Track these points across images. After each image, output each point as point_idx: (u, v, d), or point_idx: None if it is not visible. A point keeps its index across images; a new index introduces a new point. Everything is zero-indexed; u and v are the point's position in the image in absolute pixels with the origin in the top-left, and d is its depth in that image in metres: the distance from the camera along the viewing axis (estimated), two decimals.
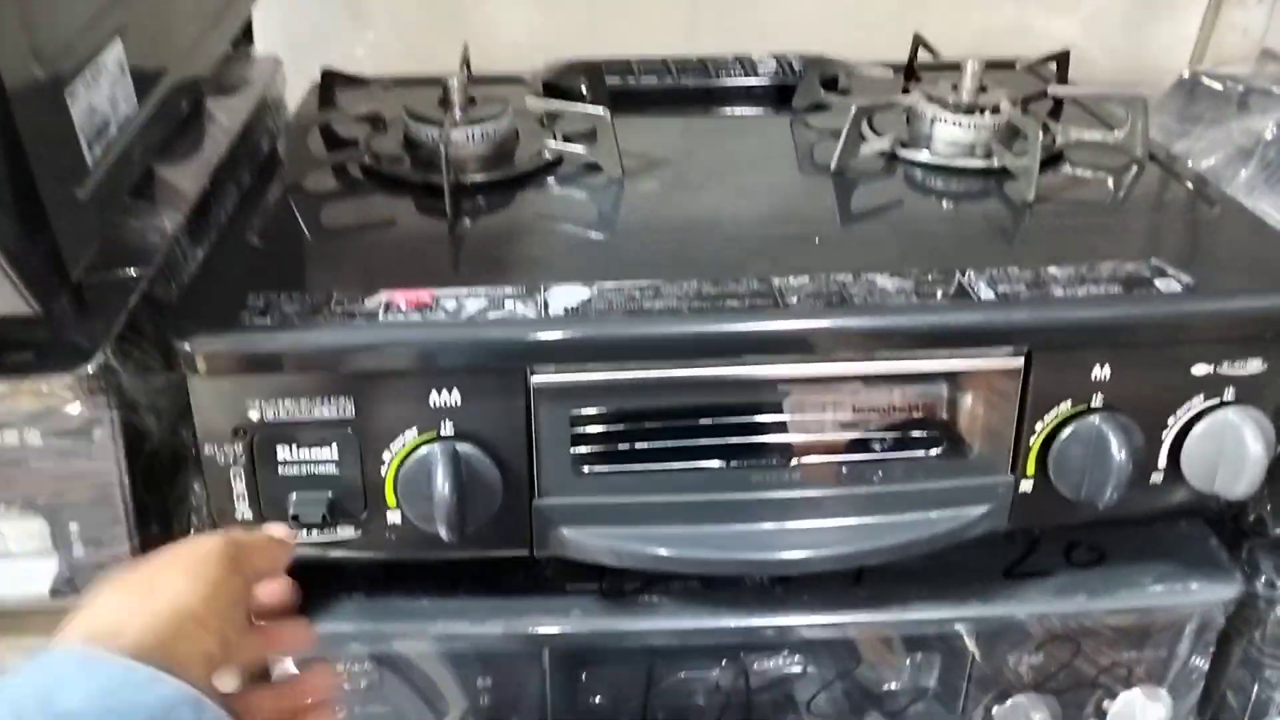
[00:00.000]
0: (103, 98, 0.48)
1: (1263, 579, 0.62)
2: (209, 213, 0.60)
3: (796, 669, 0.61)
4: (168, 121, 0.58)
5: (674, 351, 0.49)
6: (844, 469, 0.54)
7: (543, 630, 0.57)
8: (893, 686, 0.63)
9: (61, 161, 0.44)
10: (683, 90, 0.77)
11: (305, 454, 0.50)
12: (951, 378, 0.53)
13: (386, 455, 0.50)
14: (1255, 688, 0.65)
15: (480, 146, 0.64)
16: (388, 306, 0.49)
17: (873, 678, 0.64)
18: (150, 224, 0.54)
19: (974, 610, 0.60)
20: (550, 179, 0.65)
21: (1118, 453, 0.51)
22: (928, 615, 0.60)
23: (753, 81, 0.78)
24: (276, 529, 0.46)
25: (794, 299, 0.50)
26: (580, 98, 0.72)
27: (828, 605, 0.59)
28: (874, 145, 0.66)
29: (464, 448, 0.50)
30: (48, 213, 0.41)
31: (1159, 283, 0.52)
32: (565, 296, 0.50)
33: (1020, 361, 0.52)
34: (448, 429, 0.50)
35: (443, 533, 0.49)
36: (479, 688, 0.59)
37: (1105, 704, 0.65)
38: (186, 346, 0.47)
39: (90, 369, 0.45)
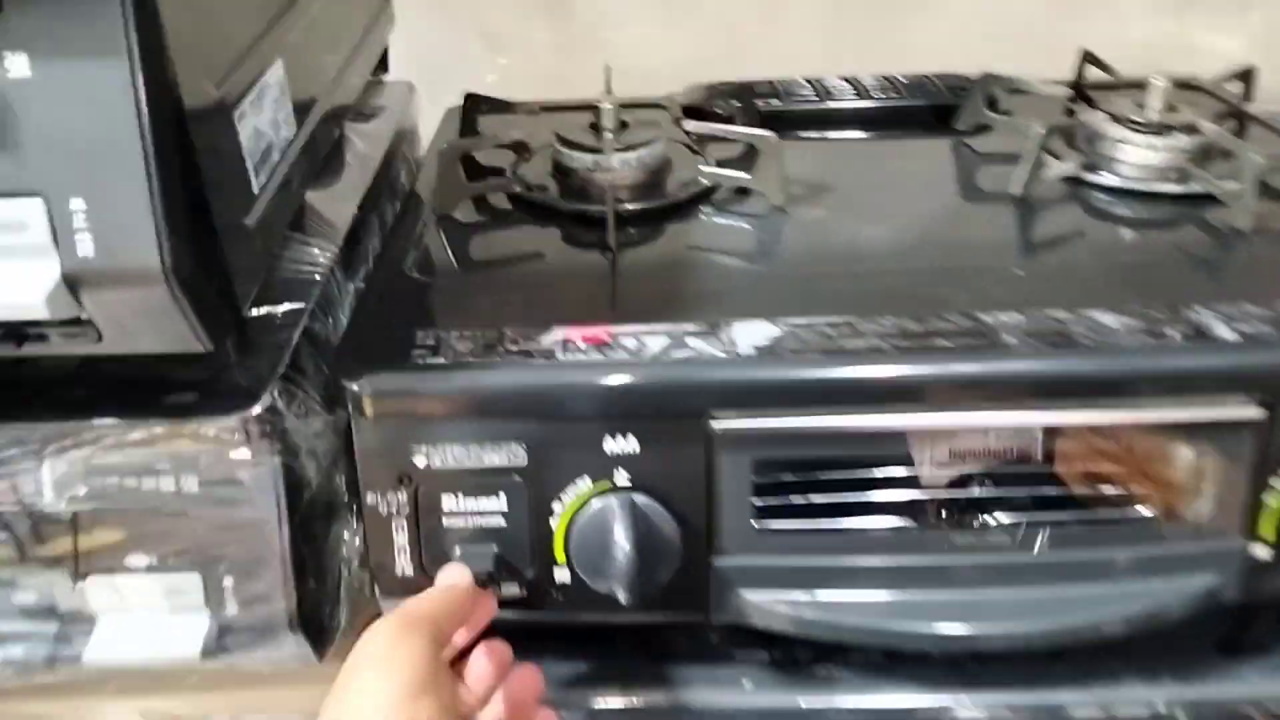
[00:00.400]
0: (266, 121, 0.46)
1: None
2: (359, 245, 0.57)
3: None
4: (318, 150, 0.55)
5: (880, 397, 0.44)
6: (1053, 531, 0.49)
7: (708, 703, 0.53)
8: None
9: (232, 187, 0.41)
10: (834, 112, 0.73)
11: (472, 504, 0.46)
12: (1181, 429, 0.47)
13: (557, 506, 0.46)
14: None
15: (634, 174, 0.60)
16: (565, 344, 0.45)
17: None
18: (304, 256, 0.51)
19: (1186, 692, 0.53)
20: (704, 208, 0.61)
21: None
22: (1135, 695, 0.53)
23: (905, 103, 0.73)
24: (454, 575, 0.43)
25: (1011, 338, 0.45)
26: (726, 121, 0.68)
27: (1024, 682, 0.53)
28: (1057, 169, 0.61)
29: (641, 499, 0.46)
30: (221, 241, 0.39)
31: None
32: (752, 334, 0.46)
33: (1260, 412, 0.46)
34: (622, 479, 0.46)
35: (620, 594, 0.45)
36: None
37: None
38: (355, 387, 0.43)
39: (257, 410, 0.42)
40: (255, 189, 0.44)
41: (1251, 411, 0.46)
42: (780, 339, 0.45)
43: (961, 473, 0.48)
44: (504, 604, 0.48)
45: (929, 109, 0.73)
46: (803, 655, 0.54)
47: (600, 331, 0.46)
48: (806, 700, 0.53)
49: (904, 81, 0.75)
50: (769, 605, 0.48)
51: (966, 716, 0.54)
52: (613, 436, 0.45)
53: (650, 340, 0.45)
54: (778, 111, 0.72)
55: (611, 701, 0.52)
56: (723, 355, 0.44)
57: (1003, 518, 0.49)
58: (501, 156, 0.65)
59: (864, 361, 0.44)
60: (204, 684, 0.50)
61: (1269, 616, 0.56)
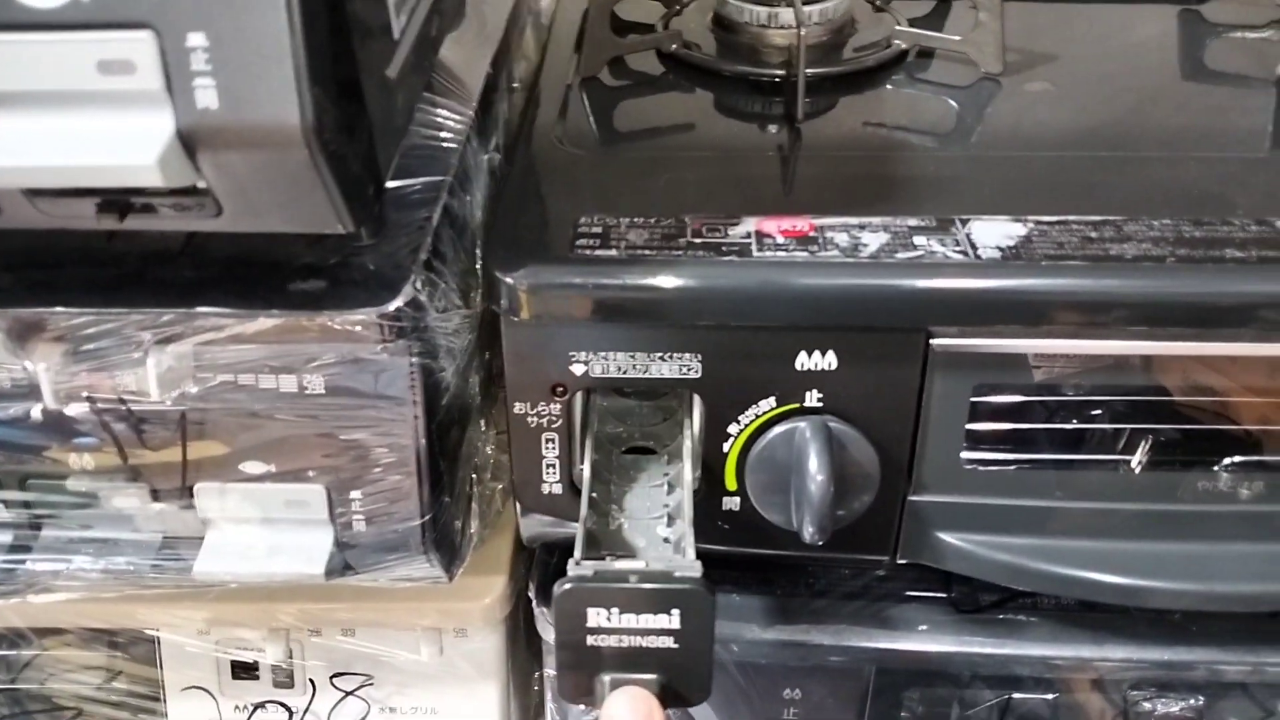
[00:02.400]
0: None
1: None
2: (492, 109, 0.49)
3: (1188, 715, 0.49)
4: None
5: (1155, 318, 0.35)
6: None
7: (876, 644, 0.47)
8: None
9: (374, 29, 0.33)
10: None
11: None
12: None
13: (734, 428, 0.39)
14: None
15: (815, 32, 0.51)
16: (760, 238, 0.37)
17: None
18: (437, 120, 0.44)
19: None
20: (895, 76, 0.51)
21: None
22: None
23: None
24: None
25: None
26: None
27: (1239, 639, 0.46)
28: None
29: (837, 425, 0.38)
30: (366, 98, 0.31)
31: None
32: (992, 233, 0.37)
33: None
34: (813, 400, 0.38)
35: (807, 532, 0.38)
36: (784, 699, 0.49)
37: None
38: (510, 281, 0.36)
39: (399, 303, 0.35)
40: (396, 33, 0.36)
41: None
42: (1029, 240, 0.37)
43: (1223, 413, 0.40)
44: None
45: None
46: (988, 597, 0.47)
47: (803, 223, 0.37)
48: (989, 646, 0.46)
49: None
50: (973, 549, 0.41)
51: (1168, 675, 0.47)
52: (808, 352, 0.38)
53: (866, 235, 0.37)
54: None
55: (769, 635, 0.47)
56: (959, 258, 0.36)
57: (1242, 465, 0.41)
58: (651, 10, 0.56)
59: (1138, 274, 0.35)
60: (319, 593, 0.45)
61: None
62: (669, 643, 0.32)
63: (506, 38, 0.54)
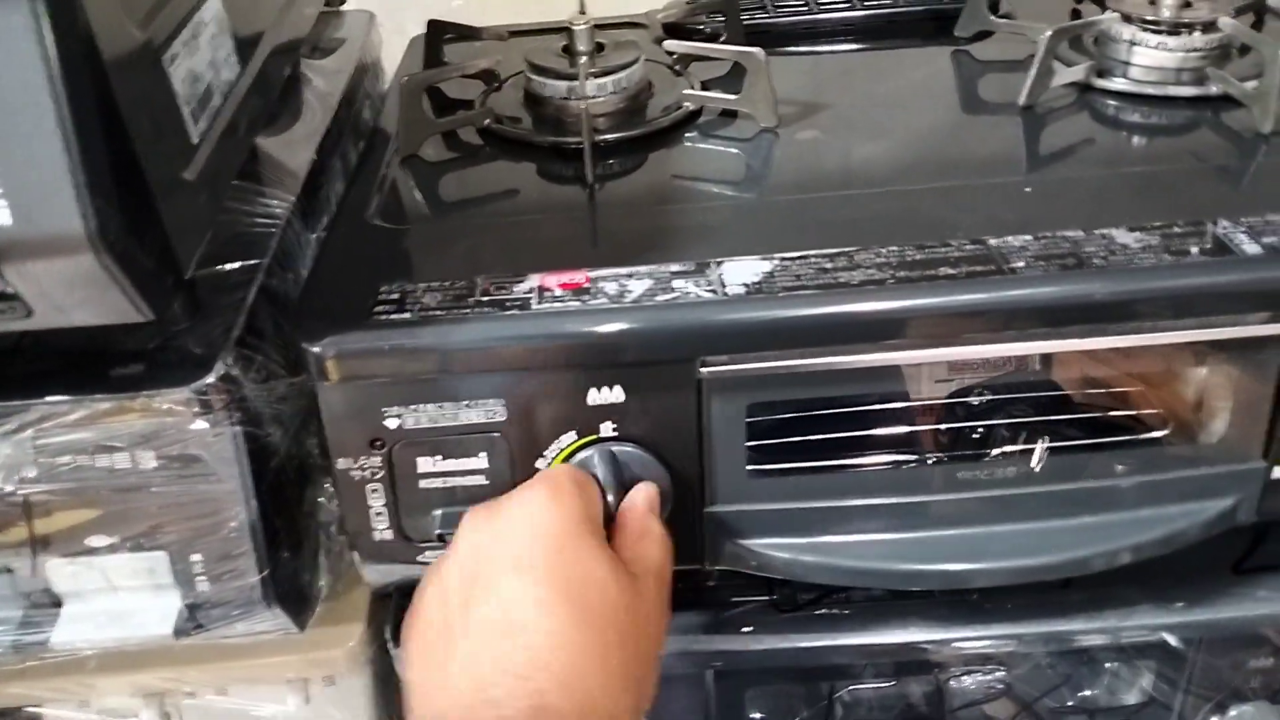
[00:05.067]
0: (203, 62, 0.42)
1: None
2: (319, 191, 0.54)
3: (998, 685, 0.54)
4: (268, 90, 0.51)
5: (880, 333, 0.41)
6: (1064, 460, 0.46)
7: (709, 647, 0.51)
8: (1098, 699, 0.56)
9: (166, 139, 0.37)
10: (825, 23, 0.68)
11: (451, 465, 0.44)
12: (1200, 350, 0.44)
13: (541, 463, 0.44)
14: None
15: (612, 100, 0.56)
16: (541, 292, 0.42)
17: (1078, 688, 0.57)
18: (258, 207, 0.48)
19: (1202, 614, 0.52)
20: (689, 133, 0.57)
21: None
22: (1149, 621, 0.52)
23: (900, 9, 0.68)
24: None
25: (1019, 263, 0.42)
26: (709, 39, 0.64)
27: (1033, 613, 0.51)
28: (1064, 75, 0.57)
29: (626, 450, 0.43)
30: (155, 200, 0.35)
31: None
32: (742, 272, 0.42)
33: None
34: (608, 430, 0.43)
35: None
36: None
37: None
38: (316, 349, 0.40)
39: (211, 379, 0.39)
40: (194, 138, 0.40)
41: (1274, 328, 0.43)
42: (772, 275, 0.42)
43: (962, 403, 0.45)
44: None
45: (926, 15, 0.68)
46: (805, 596, 0.52)
47: (579, 276, 0.42)
48: (809, 640, 0.51)
49: None
50: (765, 551, 0.46)
51: (974, 649, 0.52)
52: (597, 388, 0.42)
53: (633, 283, 0.42)
54: (764, 25, 0.68)
55: None
56: (710, 296, 0.41)
57: (1006, 448, 0.46)
58: (471, 87, 0.61)
59: (862, 297, 0.41)
60: (188, 656, 0.48)
61: (1276, 535, 0.55)
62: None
63: (338, 123, 0.59)
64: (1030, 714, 0.55)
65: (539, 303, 0.41)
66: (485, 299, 0.42)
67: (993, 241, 0.43)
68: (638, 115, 0.57)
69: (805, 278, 0.42)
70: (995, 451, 0.46)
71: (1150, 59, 0.57)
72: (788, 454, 0.45)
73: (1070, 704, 0.58)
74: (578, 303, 0.41)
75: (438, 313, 0.41)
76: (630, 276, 0.42)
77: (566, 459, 0.43)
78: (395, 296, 0.42)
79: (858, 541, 0.46)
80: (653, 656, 0.38)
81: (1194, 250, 0.42)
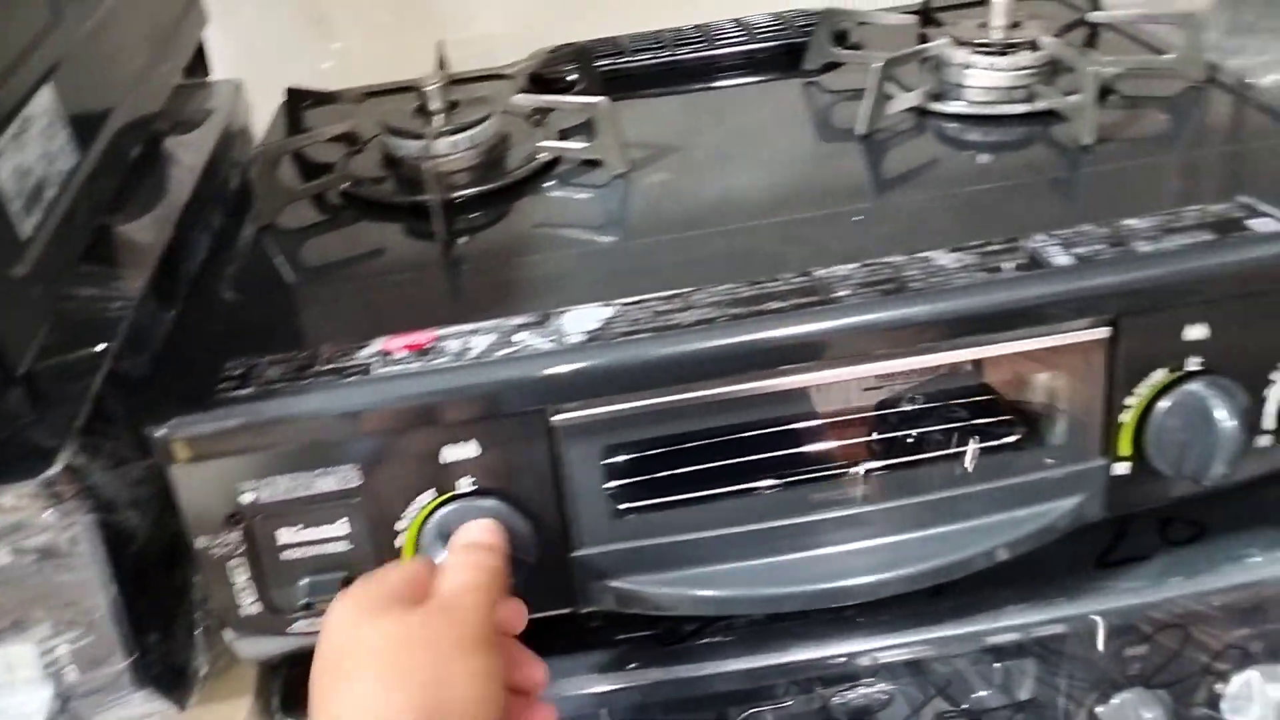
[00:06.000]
0: (34, 155, 0.42)
1: None
2: (178, 268, 0.54)
3: (882, 696, 0.55)
4: (118, 169, 0.52)
5: (710, 370, 0.42)
6: (915, 474, 0.48)
7: (598, 689, 0.52)
8: (985, 700, 0.57)
9: None
10: (681, 65, 0.70)
11: (311, 533, 0.44)
12: (1028, 359, 0.47)
13: (402, 524, 0.44)
14: None
15: (467, 156, 0.58)
16: (383, 356, 0.43)
17: (963, 692, 0.58)
18: (110, 290, 0.48)
19: (1068, 609, 0.54)
20: (549, 183, 0.58)
21: (1225, 420, 0.45)
22: (1018, 621, 0.53)
23: (755, 46, 0.70)
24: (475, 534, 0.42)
25: (843, 291, 0.44)
26: (568, 87, 0.66)
27: (908, 624, 0.53)
28: (902, 102, 0.59)
29: (487, 504, 0.44)
30: None
31: (1253, 223, 0.46)
32: (583, 320, 0.44)
33: (1106, 331, 0.45)
34: (467, 485, 0.44)
35: None
36: None
37: (1218, 688, 0.58)
38: (159, 432, 0.41)
39: (54, 471, 0.39)
40: (23, 234, 0.40)
41: (1095, 333, 0.45)
42: (611, 321, 0.43)
43: (818, 430, 0.47)
44: None
45: (781, 50, 0.71)
46: (688, 628, 0.53)
47: (422, 337, 0.43)
48: (696, 670, 0.52)
49: (754, 23, 0.72)
50: (635, 589, 0.47)
51: (853, 663, 0.53)
52: (450, 445, 0.43)
53: (476, 340, 0.43)
54: (624, 70, 0.70)
55: None
56: (549, 347, 0.42)
57: (870, 470, 0.48)
58: (336, 151, 0.62)
59: (692, 337, 0.42)
60: None
61: (1144, 527, 0.57)
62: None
63: (199, 197, 0.59)
64: (916, 717, 0.57)
65: (381, 367, 0.42)
66: (327, 367, 0.42)
67: (820, 272, 0.45)
68: (495, 168, 0.58)
69: (642, 322, 0.43)
70: (849, 471, 0.48)
71: (983, 80, 0.60)
72: (649, 491, 0.47)
73: (964, 706, 0.60)
74: (419, 364, 0.42)
75: (279, 385, 0.41)
76: (474, 333, 0.43)
77: (427, 517, 0.44)
78: (240, 372, 0.43)
79: (724, 570, 0.47)
80: (471, 672, 0.37)
81: (1007, 266, 0.44)
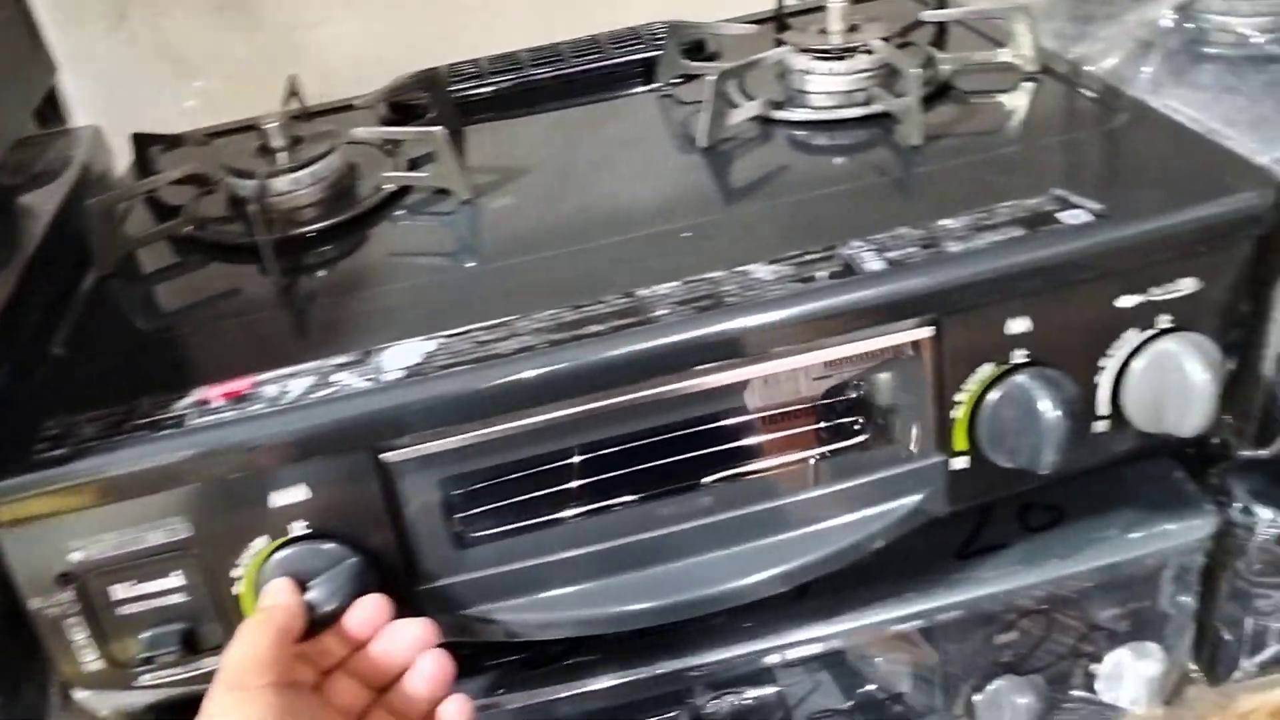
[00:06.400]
0: None
1: (1237, 506, 0.57)
2: (21, 324, 0.53)
3: (751, 701, 0.56)
4: None
5: (532, 398, 0.43)
6: (762, 482, 0.49)
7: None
8: (862, 695, 0.58)
9: None
10: (538, 85, 0.70)
11: (146, 587, 0.44)
12: (857, 362, 0.47)
13: (237, 571, 0.44)
14: (1248, 620, 0.60)
15: (312, 191, 0.57)
16: (200, 406, 0.43)
17: (839, 689, 0.59)
18: None
19: (931, 602, 0.55)
20: (399, 212, 0.58)
21: (1049, 411, 0.46)
22: (882, 617, 0.54)
23: (610, 62, 0.71)
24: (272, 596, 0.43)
25: (661, 310, 0.44)
26: (422, 113, 0.66)
27: (774, 628, 0.54)
28: (743, 112, 0.60)
29: (324, 546, 0.44)
30: None
31: (1064, 215, 0.47)
32: (404, 355, 0.44)
33: (930, 331, 0.46)
34: (300, 529, 0.44)
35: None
36: None
37: (1093, 669, 0.60)
38: None
39: None
40: None
41: (920, 333, 0.46)
42: (433, 355, 0.44)
43: (656, 448, 0.48)
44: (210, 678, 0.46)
45: (638, 64, 0.71)
46: (555, 649, 0.53)
47: (241, 384, 0.43)
48: (563, 691, 0.52)
49: (608, 40, 0.73)
50: (484, 618, 0.47)
51: (725, 670, 0.54)
52: (277, 489, 0.43)
53: (294, 383, 0.43)
54: (482, 94, 0.70)
55: None
56: (366, 386, 0.42)
57: (714, 482, 0.49)
58: (185, 193, 0.61)
59: (508, 368, 0.42)
60: None
61: (1006, 513, 0.58)
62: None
63: (45, 250, 0.59)
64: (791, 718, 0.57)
65: (197, 417, 0.42)
66: (143, 421, 0.42)
67: (642, 292, 0.45)
68: (343, 201, 0.58)
69: (463, 353, 0.43)
70: (693, 484, 0.48)
71: (823, 85, 0.61)
72: (492, 520, 0.47)
73: (850, 704, 0.61)
74: (234, 412, 0.42)
75: (93, 444, 0.41)
76: (293, 376, 0.43)
77: (262, 563, 0.44)
78: (56, 432, 0.42)
79: (576, 592, 0.48)
80: None
81: (821, 275, 0.45)
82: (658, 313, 0.44)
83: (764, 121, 0.61)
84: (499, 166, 0.60)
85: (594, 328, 0.44)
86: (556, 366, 0.42)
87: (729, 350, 0.43)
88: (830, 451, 0.49)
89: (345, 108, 0.68)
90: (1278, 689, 0.64)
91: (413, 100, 0.69)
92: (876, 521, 0.50)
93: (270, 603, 0.42)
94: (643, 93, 0.69)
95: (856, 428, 0.49)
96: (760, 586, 0.49)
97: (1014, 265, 0.45)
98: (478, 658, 0.53)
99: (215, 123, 0.71)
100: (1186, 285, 0.48)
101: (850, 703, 0.59)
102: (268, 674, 0.39)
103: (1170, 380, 0.48)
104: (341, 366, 0.44)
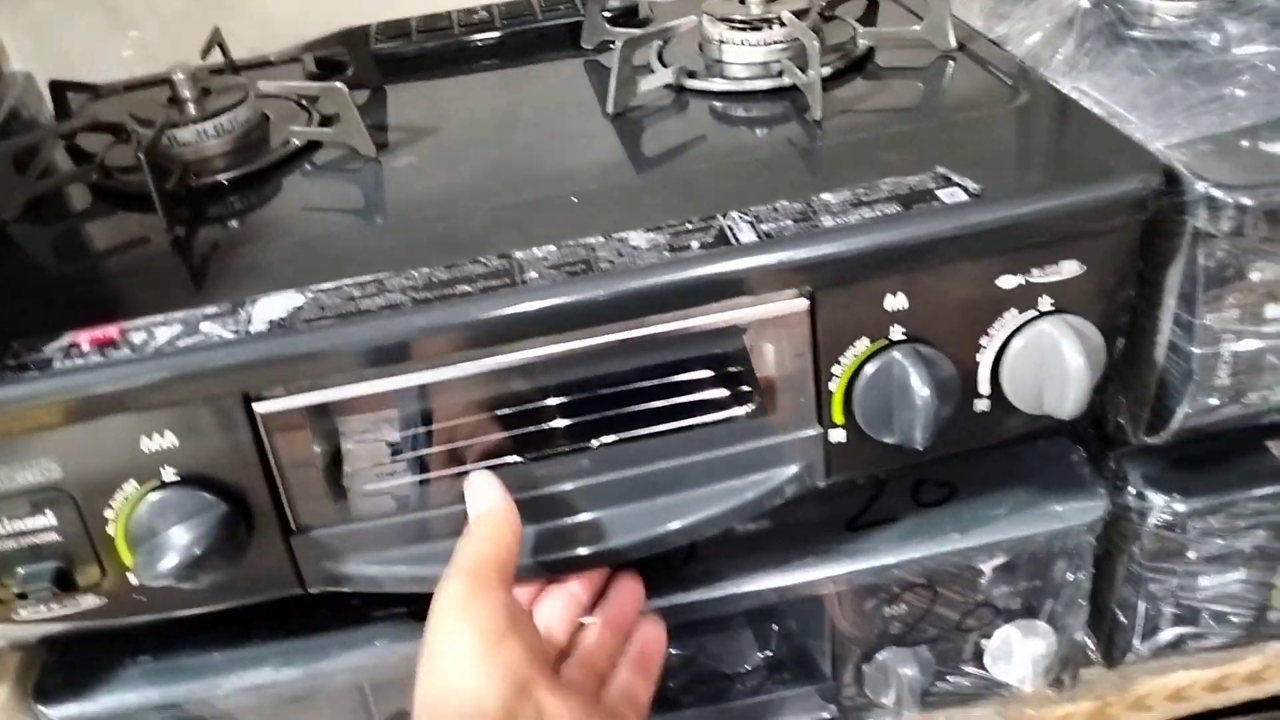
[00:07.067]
0: None
1: (1132, 491, 0.58)
2: None
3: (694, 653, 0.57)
4: None
5: (392, 356, 0.43)
6: (639, 448, 0.49)
7: (340, 667, 0.53)
8: (749, 665, 0.59)
9: None
10: (467, 46, 0.70)
11: (20, 525, 0.45)
12: (736, 332, 0.48)
13: (109, 513, 0.45)
14: (1141, 604, 0.61)
15: (220, 143, 0.58)
16: (69, 349, 0.43)
17: (727, 655, 0.60)
18: None
19: (817, 572, 0.55)
20: (307, 168, 0.58)
21: (921, 388, 0.46)
22: (766, 584, 0.55)
23: (542, 25, 0.71)
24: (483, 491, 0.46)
25: (534, 274, 0.45)
26: (344, 69, 0.66)
27: (659, 589, 0.55)
28: (652, 80, 0.60)
29: (189, 492, 0.45)
30: None
31: (943, 193, 0.47)
32: (273, 307, 0.44)
33: (805, 304, 0.47)
34: (170, 474, 0.45)
35: (183, 587, 0.44)
36: None
37: (983, 643, 0.61)
38: None
39: None
40: None
41: (795, 305, 0.47)
42: (301, 309, 0.44)
43: (535, 410, 0.48)
44: (89, 614, 0.47)
45: (568, 28, 0.71)
46: None
47: (110, 330, 0.44)
48: None
49: (540, 4, 0.72)
50: (361, 571, 0.48)
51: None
52: (148, 436, 0.44)
53: (161, 331, 0.44)
54: (409, 53, 0.70)
55: (251, 678, 0.52)
56: (231, 337, 0.43)
57: (592, 445, 0.49)
58: (102, 141, 0.62)
59: (378, 322, 0.43)
60: None
61: (897, 489, 0.59)
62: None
63: None
64: (675, 682, 0.58)
65: (63, 360, 0.43)
66: (13, 362, 0.43)
67: (519, 254, 0.46)
68: (252, 153, 0.59)
69: (331, 308, 0.44)
70: (577, 447, 0.49)
71: (738, 56, 0.61)
72: (365, 475, 0.48)
73: (739, 670, 0.62)
74: (99, 357, 0.42)
75: None
76: (163, 324, 0.44)
77: (134, 506, 0.45)
78: None
79: (448, 549, 0.48)
80: None
81: (694, 245, 0.45)
82: (529, 275, 0.44)
83: (680, 90, 0.61)
84: (414, 126, 0.61)
85: (463, 287, 0.44)
86: (419, 324, 0.43)
87: (595, 316, 0.44)
88: (713, 420, 0.50)
89: (267, 63, 0.68)
90: (1175, 673, 0.65)
91: (338, 57, 0.69)
92: (752, 489, 0.50)
93: (491, 503, 0.46)
94: (570, 58, 0.69)
95: (739, 396, 0.50)
96: (637, 548, 0.50)
97: (884, 241, 0.45)
98: (370, 607, 0.54)
99: (152, 73, 0.71)
100: (1069, 269, 0.48)
101: (739, 669, 0.60)
102: (506, 571, 0.43)
103: (1048, 362, 0.48)
104: (211, 316, 0.44)
